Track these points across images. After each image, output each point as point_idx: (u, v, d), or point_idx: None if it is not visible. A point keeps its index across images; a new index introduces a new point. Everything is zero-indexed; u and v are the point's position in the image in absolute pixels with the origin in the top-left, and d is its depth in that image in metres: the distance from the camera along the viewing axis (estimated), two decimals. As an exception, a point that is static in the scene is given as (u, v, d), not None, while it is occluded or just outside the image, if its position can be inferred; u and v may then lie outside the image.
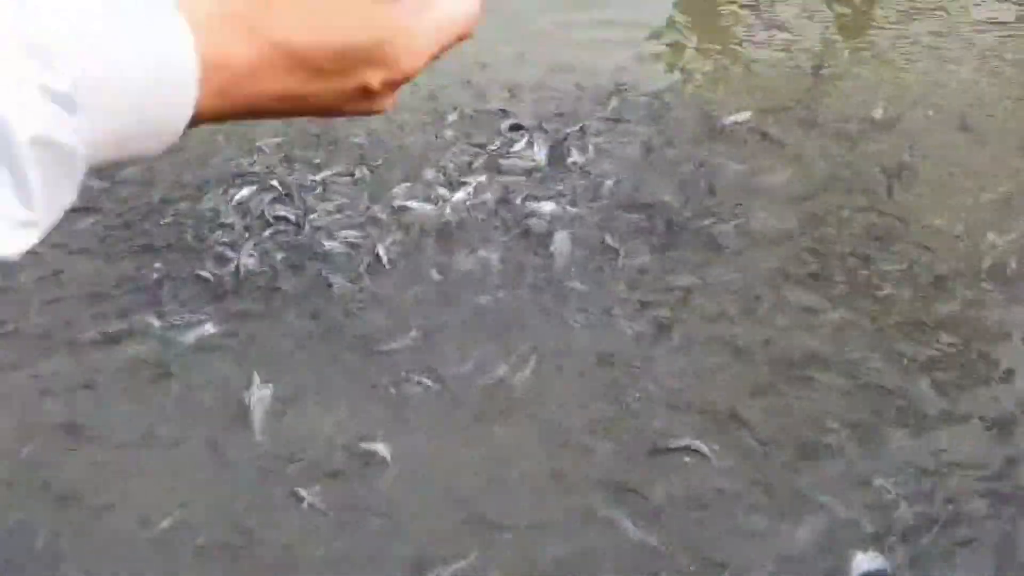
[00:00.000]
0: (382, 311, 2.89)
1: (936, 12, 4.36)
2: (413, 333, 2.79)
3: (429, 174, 3.39)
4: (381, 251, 3.06)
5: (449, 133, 3.66)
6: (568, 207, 3.23)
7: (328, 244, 3.11)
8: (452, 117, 3.75)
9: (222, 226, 3.18)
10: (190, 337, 2.76)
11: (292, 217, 3.22)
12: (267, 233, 3.15)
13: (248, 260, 3.03)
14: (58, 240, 3.01)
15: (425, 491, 2.35)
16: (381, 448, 2.42)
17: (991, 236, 3.06)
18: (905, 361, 2.65)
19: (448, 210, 3.22)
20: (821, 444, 2.42)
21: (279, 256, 3.07)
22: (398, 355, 2.73)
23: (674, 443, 2.36)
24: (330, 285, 2.96)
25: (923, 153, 3.46)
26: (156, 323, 2.81)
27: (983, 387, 2.61)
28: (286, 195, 3.31)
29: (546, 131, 3.59)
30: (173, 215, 3.22)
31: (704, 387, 2.56)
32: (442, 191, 3.30)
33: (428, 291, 2.96)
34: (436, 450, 2.46)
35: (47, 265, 2.97)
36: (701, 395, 2.54)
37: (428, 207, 3.25)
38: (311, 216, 3.22)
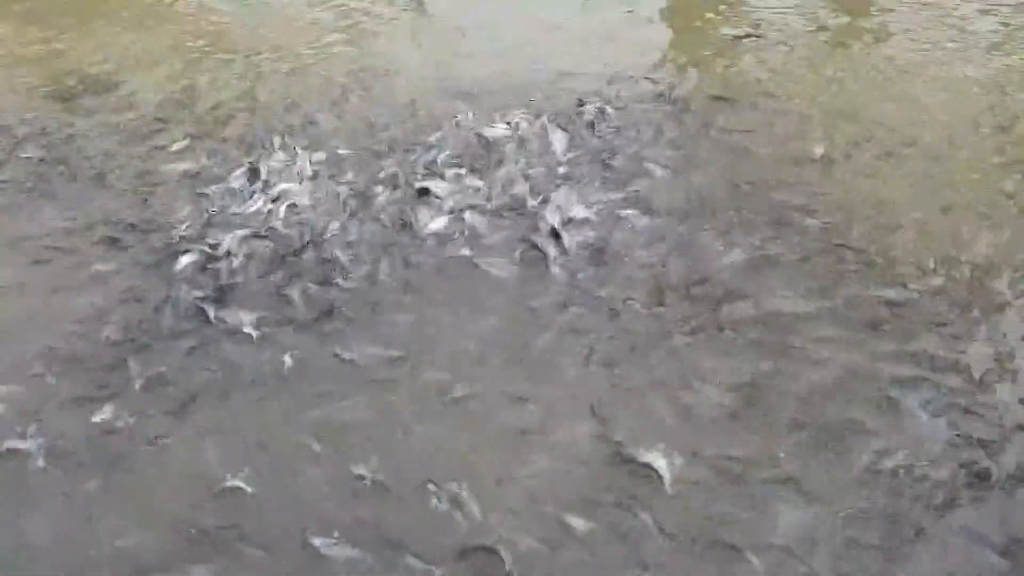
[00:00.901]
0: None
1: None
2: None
3: (443, 158, 3.47)
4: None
5: (459, 119, 3.74)
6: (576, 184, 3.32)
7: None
8: (463, 102, 3.85)
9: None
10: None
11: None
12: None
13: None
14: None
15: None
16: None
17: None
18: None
19: (462, 192, 3.29)
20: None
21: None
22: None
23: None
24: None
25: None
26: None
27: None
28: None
29: (559, 115, 3.70)
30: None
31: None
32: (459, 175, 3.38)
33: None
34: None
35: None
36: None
37: (444, 186, 3.32)
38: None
